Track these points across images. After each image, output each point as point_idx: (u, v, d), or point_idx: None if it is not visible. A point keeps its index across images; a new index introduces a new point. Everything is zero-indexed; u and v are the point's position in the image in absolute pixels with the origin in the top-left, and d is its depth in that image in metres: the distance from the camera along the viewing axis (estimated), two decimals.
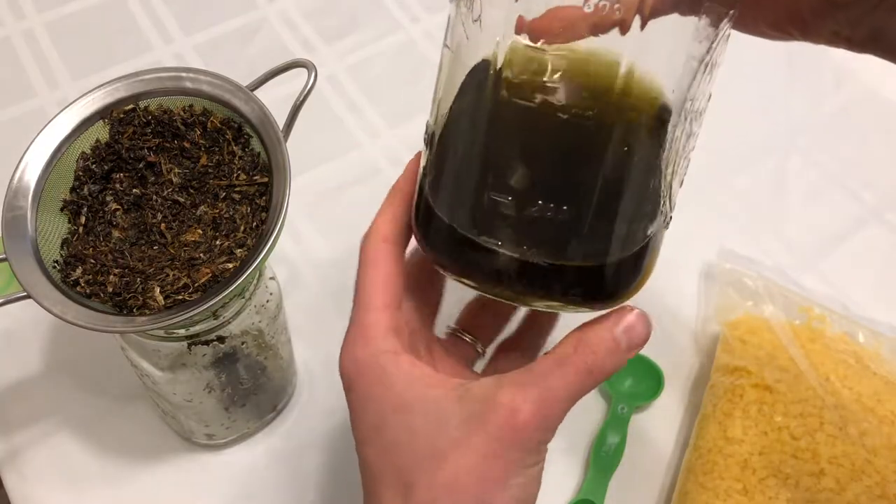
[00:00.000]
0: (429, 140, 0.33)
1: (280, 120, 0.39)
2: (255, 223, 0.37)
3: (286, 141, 0.38)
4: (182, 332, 0.39)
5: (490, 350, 0.40)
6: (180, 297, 0.35)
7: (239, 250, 0.37)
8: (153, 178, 0.40)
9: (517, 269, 0.30)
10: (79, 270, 0.37)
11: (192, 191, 0.39)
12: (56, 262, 0.37)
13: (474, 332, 0.39)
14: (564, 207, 0.29)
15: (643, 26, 0.28)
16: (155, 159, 0.40)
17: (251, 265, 0.35)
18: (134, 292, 0.36)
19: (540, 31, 0.29)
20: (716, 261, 0.57)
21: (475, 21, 0.30)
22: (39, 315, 0.35)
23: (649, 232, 0.32)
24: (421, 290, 0.37)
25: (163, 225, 0.38)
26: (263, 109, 0.39)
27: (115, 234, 0.39)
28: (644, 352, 0.52)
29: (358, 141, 0.63)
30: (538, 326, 0.40)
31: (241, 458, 0.49)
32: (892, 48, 0.31)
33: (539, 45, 0.29)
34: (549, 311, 0.38)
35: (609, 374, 0.31)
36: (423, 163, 0.34)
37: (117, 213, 0.39)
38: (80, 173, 0.39)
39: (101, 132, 0.40)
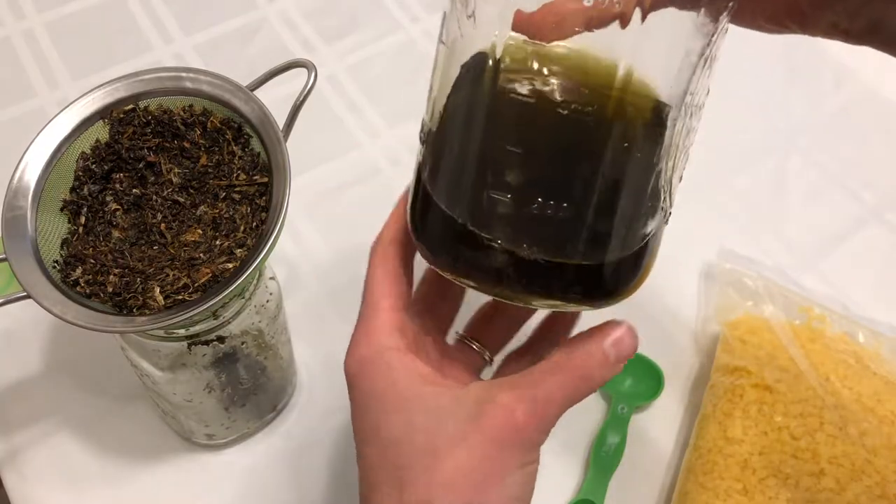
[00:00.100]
0: (425, 137, 0.33)
1: (280, 120, 0.39)
2: (255, 223, 0.37)
3: (286, 141, 0.38)
4: (182, 332, 0.39)
5: (498, 359, 0.40)
6: (180, 297, 0.35)
7: (239, 250, 0.37)
8: (153, 178, 0.40)
9: (516, 268, 0.30)
10: (79, 270, 0.37)
11: (192, 191, 0.39)
12: (56, 262, 0.37)
13: (483, 341, 0.39)
14: (565, 204, 0.29)
15: (643, 19, 0.27)
16: (155, 159, 0.40)
17: (251, 265, 0.35)
18: (134, 292, 0.36)
19: (534, 26, 0.29)
20: (716, 261, 0.57)
21: (469, 17, 0.30)
22: (39, 315, 0.35)
23: (650, 228, 0.31)
24: (435, 300, 0.38)
25: (163, 225, 0.38)
26: (263, 109, 0.39)
27: (115, 234, 0.39)
28: (644, 352, 0.53)
29: (358, 141, 0.63)
30: (548, 337, 0.40)
31: (241, 458, 0.49)
32: (890, 40, 0.31)
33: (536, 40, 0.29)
34: (547, 309, 0.38)
35: (600, 384, 0.32)
36: (418, 160, 0.34)
37: (117, 213, 0.39)
38: (80, 173, 0.39)
39: (101, 132, 0.40)
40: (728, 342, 0.52)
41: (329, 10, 0.70)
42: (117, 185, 0.39)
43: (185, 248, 0.37)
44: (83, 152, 0.39)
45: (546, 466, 0.49)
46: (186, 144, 0.40)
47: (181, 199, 0.39)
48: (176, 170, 0.39)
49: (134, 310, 0.36)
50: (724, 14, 0.30)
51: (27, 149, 0.38)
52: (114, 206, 0.39)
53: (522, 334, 0.40)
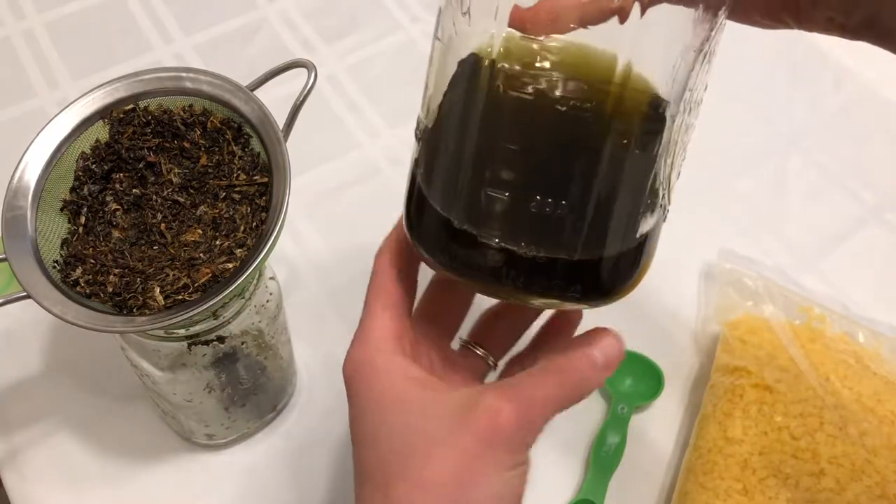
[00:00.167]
0: (420, 134, 0.33)
1: (280, 120, 0.39)
2: (255, 223, 0.37)
3: (286, 141, 0.38)
4: (182, 332, 0.39)
5: (502, 364, 0.40)
6: (180, 297, 0.35)
7: (239, 250, 0.37)
8: (153, 178, 0.40)
9: (514, 266, 0.30)
10: (79, 270, 0.37)
11: (192, 191, 0.39)
12: (56, 262, 0.37)
13: (487, 346, 0.39)
14: (563, 202, 0.29)
15: (643, 14, 0.27)
16: (155, 159, 0.40)
17: (251, 265, 0.35)
18: (134, 292, 0.36)
19: (529, 21, 0.29)
20: (716, 261, 0.57)
21: (464, 14, 0.30)
22: (39, 315, 0.35)
23: (649, 225, 0.31)
24: (441, 305, 0.38)
25: (163, 225, 0.38)
26: (263, 109, 0.39)
27: (115, 234, 0.39)
28: (644, 352, 0.53)
29: (358, 141, 0.63)
30: (550, 341, 0.40)
31: (241, 458, 0.49)
32: (886, 34, 0.31)
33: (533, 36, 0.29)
34: (547, 308, 0.38)
35: (588, 389, 0.32)
36: (413, 157, 0.33)
37: (117, 213, 0.39)
38: (80, 173, 0.39)
39: (101, 132, 0.40)
40: (728, 342, 0.52)
41: (329, 10, 0.70)
42: (117, 185, 0.39)
43: (185, 248, 0.37)
44: (83, 152, 0.39)
45: (546, 466, 0.49)
46: (186, 144, 0.40)
47: (181, 199, 0.39)
48: (176, 170, 0.39)
49: (134, 310, 0.36)
50: (723, 9, 0.29)
51: (27, 149, 0.38)
52: (114, 206, 0.39)
53: (527, 338, 0.40)
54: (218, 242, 0.37)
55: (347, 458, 0.49)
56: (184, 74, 0.40)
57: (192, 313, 0.35)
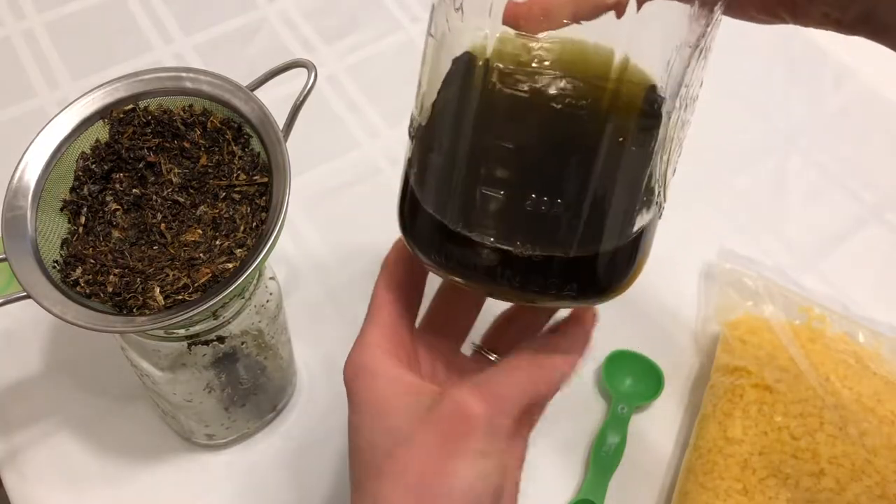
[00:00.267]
0: (414, 133, 0.33)
1: (280, 120, 0.39)
2: (255, 223, 0.37)
3: (286, 141, 0.38)
4: (182, 332, 0.39)
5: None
6: (180, 297, 0.35)
7: (239, 250, 0.37)
8: (153, 178, 0.40)
9: (510, 266, 0.30)
10: (79, 270, 0.37)
11: (192, 191, 0.39)
12: (56, 262, 0.37)
13: (499, 350, 0.39)
14: (559, 200, 0.29)
15: (639, 9, 0.27)
16: (155, 159, 0.40)
17: (251, 265, 0.35)
18: (134, 292, 0.36)
19: (521, 17, 0.29)
20: (716, 261, 0.57)
21: (457, 10, 0.30)
22: (39, 315, 0.35)
23: (645, 223, 0.31)
24: (450, 311, 0.38)
25: (163, 225, 0.38)
26: (263, 109, 0.39)
27: (115, 234, 0.39)
28: (644, 352, 0.53)
29: (358, 141, 0.63)
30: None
31: (241, 458, 0.49)
32: (882, 30, 0.31)
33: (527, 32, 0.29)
34: (545, 308, 0.37)
35: (554, 389, 0.33)
36: (407, 156, 0.33)
37: (117, 213, 0.39)
38: (80, 173, 0.39)
39: (101, 132, 0.40)
40: (728, 342, 0.52)
41: (329, 10, 0.70)
42: (117, 185, 0.39)
43: (185, 248, 0.37)
44: (83, 152, 0.39)
45: (546, 466, 0.49)
46: (186, 144, 0.40)
47: (181, 199, 0.39)
48: (176, 170, 0.39)
49: (134, 310, 0.36)
50: (719, 4, 0.29)
51: (27, 149, 0.38)
52: (114, 206, 0.39)
53: None
54: (218, 242, 0.37)
55: (347, 458, 0.49)
56: (184, 74, 0.40)
57: (192, 313, 0.35)
